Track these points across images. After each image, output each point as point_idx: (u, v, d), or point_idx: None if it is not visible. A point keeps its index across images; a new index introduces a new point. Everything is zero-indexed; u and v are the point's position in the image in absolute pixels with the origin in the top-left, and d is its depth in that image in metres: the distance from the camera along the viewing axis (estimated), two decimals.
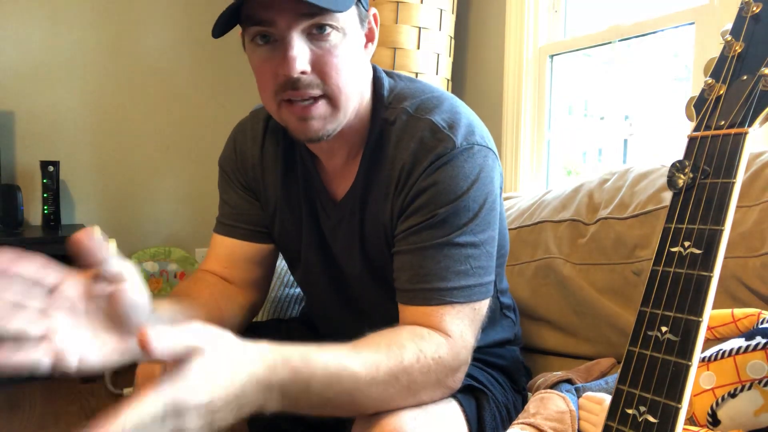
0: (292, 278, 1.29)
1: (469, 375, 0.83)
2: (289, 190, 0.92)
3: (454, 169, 0.76)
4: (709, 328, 0.65)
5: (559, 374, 0.91)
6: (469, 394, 0.81)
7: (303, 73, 0.71)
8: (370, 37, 0.81)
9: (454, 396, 0.78)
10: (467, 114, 0.82)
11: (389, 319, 0.77)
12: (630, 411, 0.50)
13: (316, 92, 0.73)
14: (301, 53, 0.70)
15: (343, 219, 0.87)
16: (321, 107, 0.74)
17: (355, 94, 0.77)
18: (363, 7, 0.77)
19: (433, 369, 0.70)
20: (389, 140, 0.81)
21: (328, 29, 0.71)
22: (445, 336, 0.73)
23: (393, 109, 0.82)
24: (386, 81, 0.85)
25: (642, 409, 0.49)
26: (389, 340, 0.69)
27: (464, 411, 0.77)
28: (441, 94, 0.84)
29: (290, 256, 0.98)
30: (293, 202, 0.92)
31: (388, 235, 0.83)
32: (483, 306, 0.78)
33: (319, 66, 0.72)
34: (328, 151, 0.86)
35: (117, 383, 2.19)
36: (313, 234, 0.91)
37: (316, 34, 0.71)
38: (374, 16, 0.81)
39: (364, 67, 0.81)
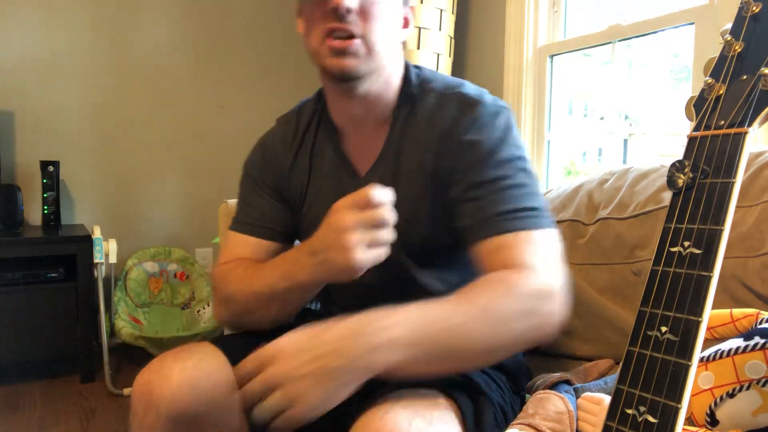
0: None
1: (465, 376, 0.83)
2: (319, 177, 0.96)
3: (493, 124, 0.84)
4: (707, 328, 0.65)
5: (557, 375, 0.91)
6: (467, 396, 0.81)
7: (348, 11, 0.79)
8: (405, 23, 0.90)
9: (454, 399, 0.77)
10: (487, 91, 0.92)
11: (411, 296, 0.77)
12: (630, 411, 0.49)
13: (356, 30, 0.81)
14: None
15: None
16: (357, 45, 0.81)
17: (388, 51, 0.86)
18: None
19: (525, 304, 0.71)
20: (422, 114, 0.88)
21: None
22: (528, 270, 0.74)
23: (421, 89, 0.91)
24: (412, 68, 0.94)
25: (642, 409, 0.49)
26: (472, 291, 0.72)
27: (462, 414, 0.77)
28: (462, 79, 0.94)
29: None
30: (323, 187, 0.96)
31: (432, 206, 0.87)
32: (556, 236, 0.80)
33: (364, 11, 0.81)
34: (359, 118, 0.91)
35: (117, 383, 2.19)
36: None
37: None
38: (412, 8, 0.91)
39: (399, 39, 0.89)
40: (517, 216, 0.78)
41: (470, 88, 0.90)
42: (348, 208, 0.73)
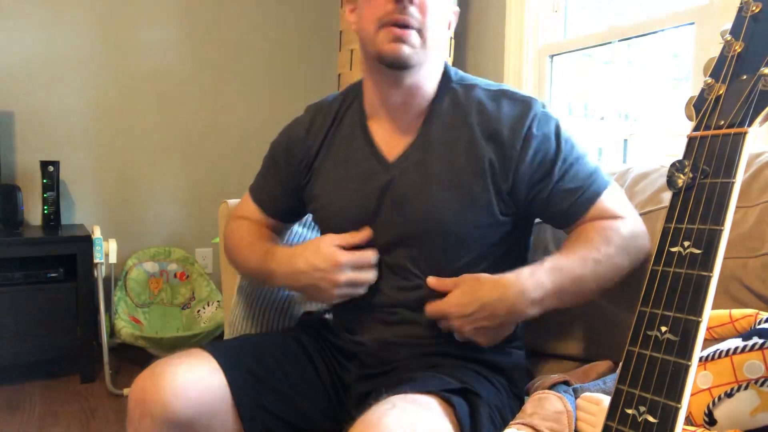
0: None
1: (460, 379, 0.84)
2: (346, 162, 1.01)
3: (550, 116, 0.95)
4: (706, 329, 0.65)
5: (556, 376, 0.91)
6: (463, 399, 0.81)
7: (411, 2, 0.87)
8: (449, 25, 0.98)
9: (449, 402, 0.78)
10: None
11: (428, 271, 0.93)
12: (630, 411, 0.50)
13: (414, 22, 0.88)
14: None
15: (404, 178, 0.96)
16: (414, 37, 0.89)
17: (436, 46, 0.93)
18: None
19: (623, 246, 0.89)
20: (468, 107, 0.95)
21: None
22: (618, 218, 0.91)
23: (462, 85, 0.98)
24: (451, 68, 1.01)
25: (642, 409, 0.49)
26: (585, 244, 0.88)
27: (457, 417, 0.77)
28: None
29: (342, 224, 0.99)
30: (350, 172, 1.00)
31: (470, 192, 0.93)
32: (617, 184, 0.97)
33: (422, 5, 0.88)
34: (397, 107, 0.97)
35: (117, 383, 2.19)
36: (369, 194, 0.98)
37: None
38: (455, 12, 0.99)
39: (445, 37, 0.97)
40: (594, 181, 0.92)
41: (511, 88, 0.99)
42: (348, 264, 0.91)
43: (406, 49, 0.88)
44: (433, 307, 0.89)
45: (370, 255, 0.93)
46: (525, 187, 0.93)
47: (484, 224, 0.93)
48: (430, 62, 0.94)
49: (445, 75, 0.99)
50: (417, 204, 0.94)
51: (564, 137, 0.93)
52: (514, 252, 1.01)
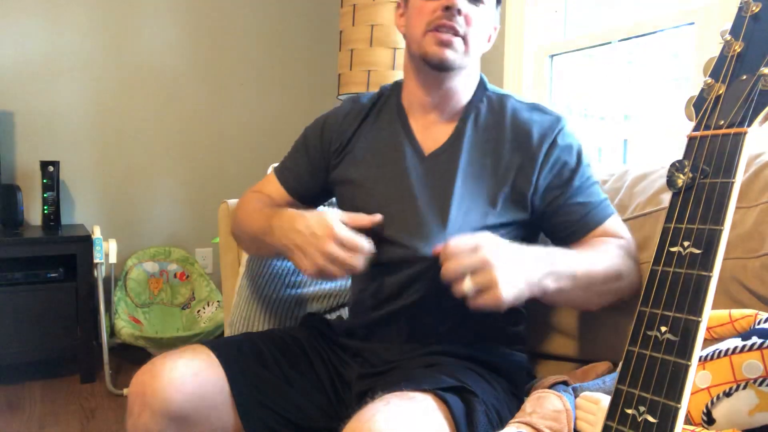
0: (294, 279, 1.30)
1: (457, 378, 0.84)
2: (381, 150, 1.06)
3: (575, 135, 1.02)
4: (706, 328, 0.65)
5: (555, 377, 0.92)
6: (459, 398, 0.81)
7: (459, 12, 0.94)
8: (488, 39, 1.05)
9: (443, 399, 0.78)
10: None
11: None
12: (629, 411, 0.50)
13: (460, 30, 0.95)
14: None
15: (434, 169, 1.01)
16: (458, 43, 0.96)
17: (476, 55, 1.02)
18: (497, 12, 1.06)
19: (626, 263, 0.94)
20: (501, 115, 1.02)
21: (481, 5, 0.97)
22: (620, 238, 0.97)
23: (497, 95, 1.05)
24: (485, 78, 1.08)
25: (641, 408, 0.49)
26: (601, 250, 0.93)
27: (453, 416, 0.77)
28: None
29: (368, 208, 1.01)
30: (384, 159, 1.04)
31: (494, 192, 0.97)
32: None
33: (468, 17, 0.96)
34: (433, 106, 1.03)
35: (117, 383, 2.19)
36: (400, 183, 1.02)
37: (473, 1, 0.96)
38: (495, 28, 1.06)
39: (484, 49, 1.04)
40: (606, 204, 0.99)
41: (537, 102, 1.06)
42: (339, 239, 0.86)
43: (450, 53, 0.95)
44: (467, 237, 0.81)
45: (364, 243, 0.88)
46: (542, 191, 0.98)
47: (493, 225, 0.96)
48: (468, 69, 1.02)
49: (481, 84, 1.06)
50: (433, 200, 0.97)
51: (585, 158, 1.00)
52: None
